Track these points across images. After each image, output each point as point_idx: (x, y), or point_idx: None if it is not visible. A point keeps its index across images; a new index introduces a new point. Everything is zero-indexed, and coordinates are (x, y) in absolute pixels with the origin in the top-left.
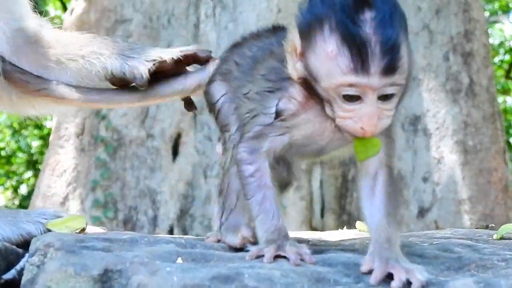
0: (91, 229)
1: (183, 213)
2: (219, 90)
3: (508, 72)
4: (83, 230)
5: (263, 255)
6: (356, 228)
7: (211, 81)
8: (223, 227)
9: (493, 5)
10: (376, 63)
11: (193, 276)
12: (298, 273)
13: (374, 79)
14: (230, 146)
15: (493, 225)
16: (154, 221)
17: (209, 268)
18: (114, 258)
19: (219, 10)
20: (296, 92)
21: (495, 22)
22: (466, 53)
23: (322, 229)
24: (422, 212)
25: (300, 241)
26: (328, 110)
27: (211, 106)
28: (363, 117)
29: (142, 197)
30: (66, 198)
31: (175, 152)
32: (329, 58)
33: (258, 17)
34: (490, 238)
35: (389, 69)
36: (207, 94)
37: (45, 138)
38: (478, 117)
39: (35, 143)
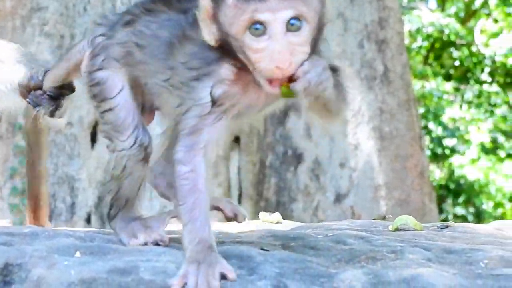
0: None
1: (100, 200)
2: (115, 82)
3: (426, 58)
4: None
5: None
6: (259, 219)
7: (99, 68)
8: (116, 225)
9: None
10: None
11: (90, 269)
12: None
13: (272, 2)
14: (121, 154)
15: (390, 215)
16: (71, 209)
17: (106, 262)
18: (14, 252)
19: None
20: (226, 71)
21: (413, 8)
22: (380, 40)
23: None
24: (339, 198)
25: None
26: (247, 64)
27: (101, 101)
28: (274, 53)
29: (60, 184)
30: None
31: (93, 139)
32: (233, 6)
33: None
34: (386, 229)
35: None
36: (96, 85)
37: None
38: (393, 103)
39: None
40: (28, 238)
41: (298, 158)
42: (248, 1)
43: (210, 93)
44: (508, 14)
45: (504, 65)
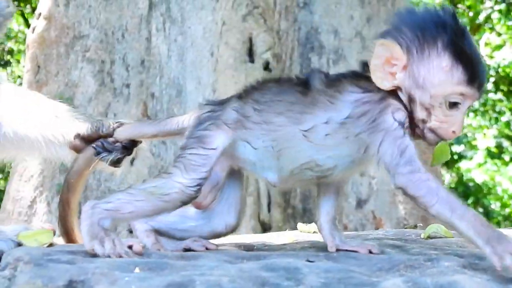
0: (58, 241)
1: None
2: (218, 138)
3: None
4: (51, 244)
5: None
6: (297, 229)
7: (205, 129)
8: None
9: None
10: (481, 78)
11: (150, 285)
12: (244, 278)
13: (477, 92)
14: (174, 184)
15: (421, 224)
16: None
17: (164, 277)
18: (77, 270)
19: (168, 25)
20: (396, 102)
21: None
22: None
23: (270, 222)
24: (360, 204)
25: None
26: (421, 116)
27: (197, 143)
28: (457, 122)
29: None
30: (33, 201)
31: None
32: (443, 70)
33: (204, 29)
34: (418, 237)
35: (484, 84)
36: (196, 138)
37: None
38: None
39: None
40: (89, 256)
41: None
42: (463, 72)
43: (394, 118)
44: (510, 28)
45: (507, 75)
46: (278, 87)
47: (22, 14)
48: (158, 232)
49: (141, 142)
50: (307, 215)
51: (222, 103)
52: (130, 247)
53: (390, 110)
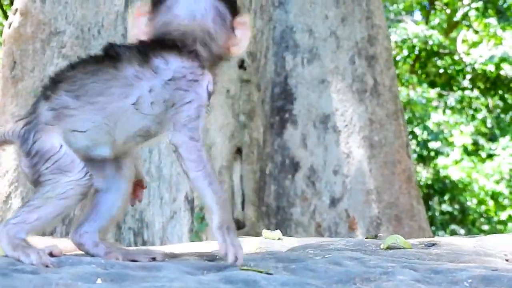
0: None
1: None
2: (52, 142)
3: (412, 66)
4: None
5: None
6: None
7: (34, 142)
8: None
9: (398, 6)
10: None
11: None
12: None
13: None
14: (66, 185)
15: (381, 234)
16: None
17: None
18: (41, 280)
19: None
20: (210, 76)
21: (399, 21)
22: (370, 56)
23: (244, 220)
24: (334, 202)
25: (208, 257)
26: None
27: (46, 161)
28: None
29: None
30: (8, 197)
31: None
32: None
33: None
34: (377, 248)
35: None
36: (36, 155)
37: None
38: (382, 114)
39: None
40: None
41: (295, 166)
42: None
43: (207, 88)
44: (487, 25)
45: (484, 72)
46: (85, 71)
47: (1, 6)
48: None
49: None
50: (281, 213)
51: (33, 110)
52: (50, 254)
53: (206, 78)
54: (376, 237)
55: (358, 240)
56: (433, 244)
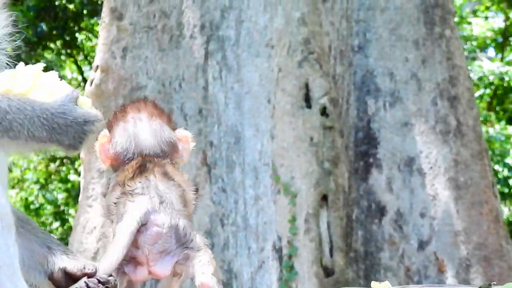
0: None
1: None
2: None
3: (489, 104)
4: None
5: None
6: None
7: None
8: None
9: (471, 44)
10: None
11: None
12: None
13: None
14: None
15: (495, 282)
16: None
17: None
18: None
19: (225, 72)
20: None
21: (474, 59)
22: (452, 97)
23: (332, 267)
24: (422, 245)
25: None
26: None
27: None
28: None
29: None
30: (97, 253)
31: None
32: None
33: (261, 76)
34: None
35: None
36: None
37: (69, 191)
38: (467, 155)
39: (61, 196)
40: None
41: (381, 210)
42: None
43: None
44: None
45: None
46: None
47: (75, 62)
48: None
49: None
50: (369, 258)
51: None
52: None
53: None
54: (489, 286)
55: None
56: None
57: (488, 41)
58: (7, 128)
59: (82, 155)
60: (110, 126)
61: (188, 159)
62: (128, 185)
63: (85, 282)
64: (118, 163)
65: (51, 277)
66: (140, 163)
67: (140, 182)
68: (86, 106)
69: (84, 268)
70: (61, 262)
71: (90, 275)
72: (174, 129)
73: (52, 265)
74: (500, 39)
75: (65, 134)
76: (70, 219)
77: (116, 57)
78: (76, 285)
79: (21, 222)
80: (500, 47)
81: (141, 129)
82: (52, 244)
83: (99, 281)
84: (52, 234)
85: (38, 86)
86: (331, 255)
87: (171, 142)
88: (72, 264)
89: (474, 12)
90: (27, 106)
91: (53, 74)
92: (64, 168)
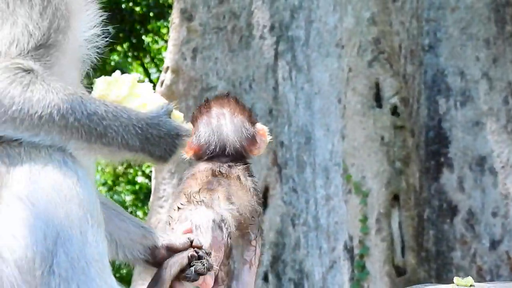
0: None
1: (275, 260)
2: None
3: None
4: None
5: None
6: (453, 283)
7: None
8: None
9: None
10: None
11: None
12: None
13: None
14: None
15: None
16: None
17: None
18: None
19: (295, 73)
20: None
21: None
22: None
23: (404, 267)
24: (494, 245)
25: None
26: None
27: None
28: None
29: None
30: None
31: (264, 204)
32: None
33: (331, 76)
34: None
35: None
36: None
37: (136, 193)
38: None
39: (128, 198)
40: None
41: (453, 210)
42: None
43: None
44: None
45: None
46: None
47: (142, 64)
48: None
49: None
50: (441, 258)
51: None
52: None
53: None
54: None
55: None
56: None
57: None
58: (102, 133)
59: None
60: (194, 119)
61: (264, 151)
62: (193, 197)
63: (194, 250)
64: (200, 154)
65: (153, 254)
66: (209, 179)
67: (205, 197)
68: (179, 120)
69: (189, 239)
70: (162, 239)
71: (197, 247)
72: (254, 123)
73: (152, 242)
74: None
75: (157, 145)
76: None
77: (186, 58)
78: (185, 253)
79: (112, 205)
80: None
81: (224, 124)
82: (145, 225)
83: (206, 252)
84: None
85: (133, 95)
86: (403, 254)
87: (251, 136)
88: (174, 239)
89: None
90: (123, 114)
91: (148, 85)
92: (131, 170)
